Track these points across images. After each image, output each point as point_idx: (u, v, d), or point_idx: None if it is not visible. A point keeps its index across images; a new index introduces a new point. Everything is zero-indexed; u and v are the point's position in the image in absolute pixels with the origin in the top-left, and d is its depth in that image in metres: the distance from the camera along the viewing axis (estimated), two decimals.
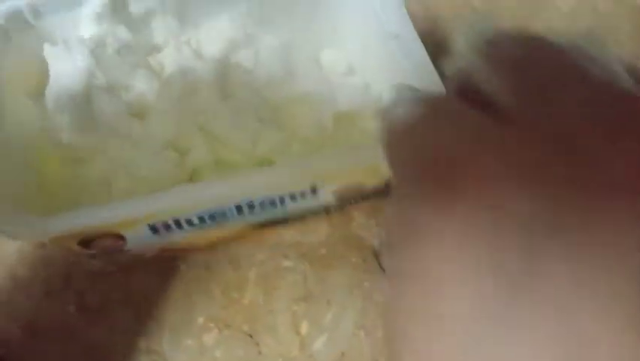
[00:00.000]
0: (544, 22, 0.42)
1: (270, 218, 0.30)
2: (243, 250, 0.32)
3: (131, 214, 0.25)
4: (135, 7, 0.30)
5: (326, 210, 0.32)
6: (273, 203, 0.28)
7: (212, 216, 0.27)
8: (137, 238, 0.28)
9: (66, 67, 0.29)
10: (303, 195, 0.28)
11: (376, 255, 0.32)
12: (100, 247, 0.28)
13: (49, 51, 0.29)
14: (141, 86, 0.30)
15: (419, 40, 0.27)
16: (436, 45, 0.30)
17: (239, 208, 0.27)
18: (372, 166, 0.27)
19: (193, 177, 0.29)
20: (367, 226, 0.33)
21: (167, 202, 0.25)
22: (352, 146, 0.29)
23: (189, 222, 0.27)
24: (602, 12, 0.43)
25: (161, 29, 0.32)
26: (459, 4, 0.43)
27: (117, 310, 0.31)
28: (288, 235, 0.33)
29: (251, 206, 0.27)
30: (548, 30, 0.47)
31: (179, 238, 0.29)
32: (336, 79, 0.33)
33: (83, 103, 0.29)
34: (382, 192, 0.30)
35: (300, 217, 0.32)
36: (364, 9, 0.32)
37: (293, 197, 0.28)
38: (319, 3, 0.33)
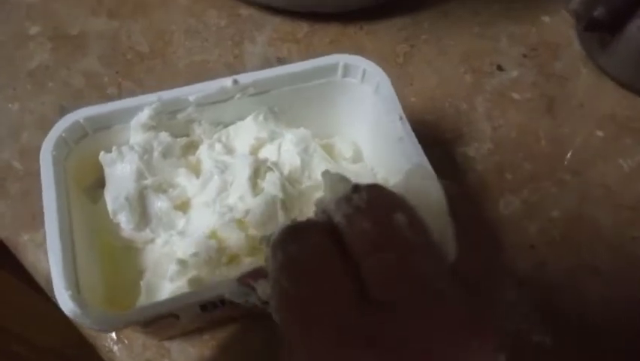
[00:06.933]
0: (600, 176, 0.43)
1: None
2: None
3: (189, 302, 0.30)
4: (179, 116, 0.36)
5: None
6: None
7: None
8: (189, 315, 0.33)
9: (120, 170, 0.35)
10: None
11: None
12: (157, 325, 0.33)
13: (103, 157, 0.35)
14: (183, 182, 0.36)
15: (418, 145, 0.33)
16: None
17: None
18: None
19: (231, 261, 0.34)
20: None
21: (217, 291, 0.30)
22: None
23: (232, 302, 0.32)
24: None
25: (197, 131, 0.37)
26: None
27: None
28: None
29: None
30: (599, 185, 0.44)
31: (221, 311, 0.34)
32: (345, 164, 0.39)
33: (136, 201, 0.34)
34: None
35: None
36: (368, 105, 0.37)
37: None
38: (329, 103, 0.38)
